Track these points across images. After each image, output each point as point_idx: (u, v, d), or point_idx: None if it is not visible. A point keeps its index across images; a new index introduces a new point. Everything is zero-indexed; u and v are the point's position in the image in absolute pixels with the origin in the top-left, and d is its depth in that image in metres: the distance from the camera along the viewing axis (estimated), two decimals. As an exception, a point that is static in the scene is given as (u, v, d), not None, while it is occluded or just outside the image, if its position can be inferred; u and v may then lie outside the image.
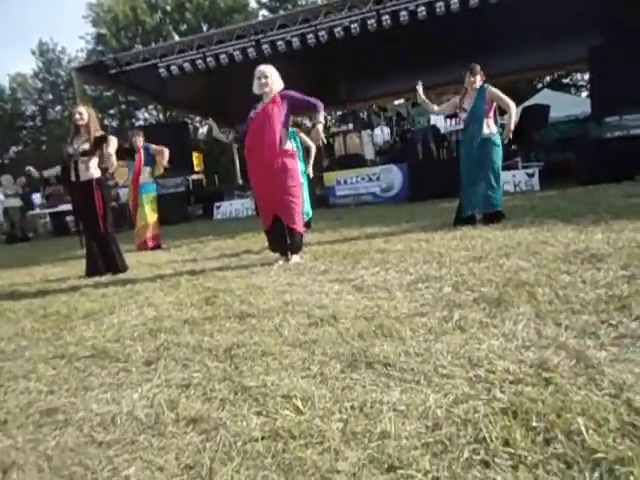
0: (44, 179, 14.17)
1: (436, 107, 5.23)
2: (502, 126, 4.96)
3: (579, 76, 25.73)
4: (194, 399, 1.59)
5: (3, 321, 3.09)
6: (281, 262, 3.92)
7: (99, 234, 4.57)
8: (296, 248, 4.02)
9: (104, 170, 4.63)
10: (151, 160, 6.45)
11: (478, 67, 4.77)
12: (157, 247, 6.51)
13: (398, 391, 1.47)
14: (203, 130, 4.27)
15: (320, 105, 3.82)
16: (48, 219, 13.92)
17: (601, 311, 1.92)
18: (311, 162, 6.34)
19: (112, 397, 1.70)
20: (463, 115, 4.89)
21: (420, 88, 5.03)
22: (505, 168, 9.45)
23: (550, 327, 1.83)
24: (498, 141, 4.81)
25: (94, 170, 4.50)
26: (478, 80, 4.76)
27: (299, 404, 1.45)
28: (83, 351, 2.25)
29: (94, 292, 3.72)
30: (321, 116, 3.84)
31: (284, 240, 3.97)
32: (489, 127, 4.78)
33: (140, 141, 6.41)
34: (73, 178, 4.48)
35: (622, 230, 3.53)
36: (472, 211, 4.90)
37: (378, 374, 1.61)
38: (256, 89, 3.85)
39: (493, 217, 4.80)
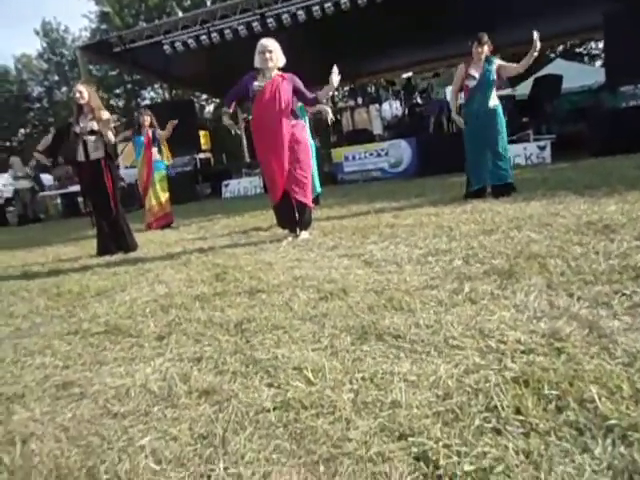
0: (53, 162, 14.24)
1: (456, 87, 5.01)
2: (502, 98, 4.86)
3: (593, 45, 24.99)
4: (206, 372, 1.61)
5: (18, 300, 3.14)
6: (290, 238, 3.91)
7: (109, 214, 4.59)
8: (305, 224, 4.01)
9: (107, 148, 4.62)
10: (157, 142, 6.44)
11: (486, 36, 4.66)
12: (168, 226, 6.54)
13: (409, 362, 1.48)
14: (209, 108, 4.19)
15: (314, 99, 3.98)
16: (59, 200, 14.01)
17: (614, 281, 1.90)
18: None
19: (126, 371, 1.72)
20: (471, 83, 4.77)
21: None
22: (516, 141, 9.33)
23: (562, 298, 1.81)
24: (502, 112, 4.75)
25: (102, 148, 4.50)
26: (486, 50, 4.66)
27: (310, 375, 1.46)
28: (96, 327, 2.28)
29: (105, 271, 3.76)
30: (321, 106, 4.10)
31: (293, 216, 3.96)
32: (494, 98, 4.71)
33: (147, 120, 6.37)
34: (82, 158, 4.48)
35: (636, 201, 3.45)
36: (481, 184, 4.84)
37: (388, 346, 1.61)
38: (258, 63, 3.78)
39: (503, 190, 4.73)
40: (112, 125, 4.47)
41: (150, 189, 6.51)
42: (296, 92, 3.85)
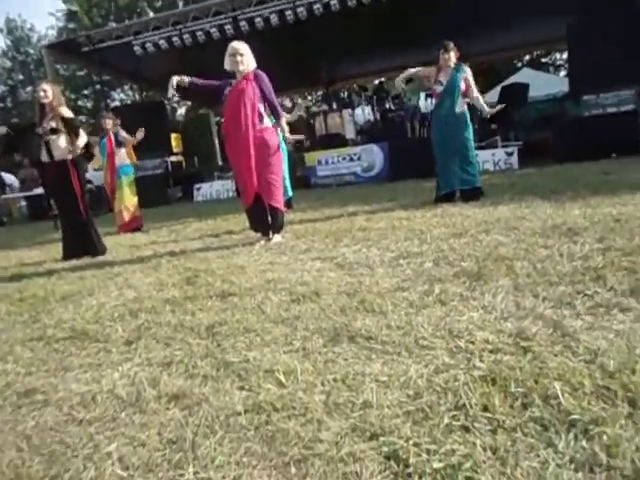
0: (18, 162, 13.78)
1: (412, 70, 5.07)
2: (468, 105, 5.03)
3: (558, 55, 25.86)
4: (176, 376, 1.58)
5: (-22, 305, 3.01)
6: (263, 242, 3.90)
7: (77, 216, 4.46)
8: (278, 227, 4.00)
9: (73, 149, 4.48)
10: (122, 143, 6.31)
11: (452, 44, 4.80)
12: (137, 229, 6.42)
13: (380, 363, 1.49)
14: (171, 90, 4.03)
15: (281, 114, 3.95)
16: (24, 203, 13.56)
17: (577, 282, 1.96)
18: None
19: (92, 377, 1.68)
20: (439, 88, 4.88)
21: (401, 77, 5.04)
22: (485, 147, 9.56)
23: (528, 299, 1.86)
24: (469, 118, 4.88)
25: (66, 148, 4.36)
26: (452, 57, 4.78)
27: (282, 378, 1.46)
28: (61, 333, 2.21)
29: (72, 275, 3.65)
30: (283, 122, 3.98)
31: (265, 219, 3.96)
32: (462, 105, 4.84)
33: (109, 123, 6.23)
34: (46, 158, 4.34)
35: (599, 205, 3.59)
36: (449, 189, 4.94)
37: (360, 347, 1.62)
38: (228, 65, 3.76)
39: (472, 194, 4.84)
40: (75, 124, 4.35)
41: (117, 192, 6.38)
42: (263, 93, 3.80)
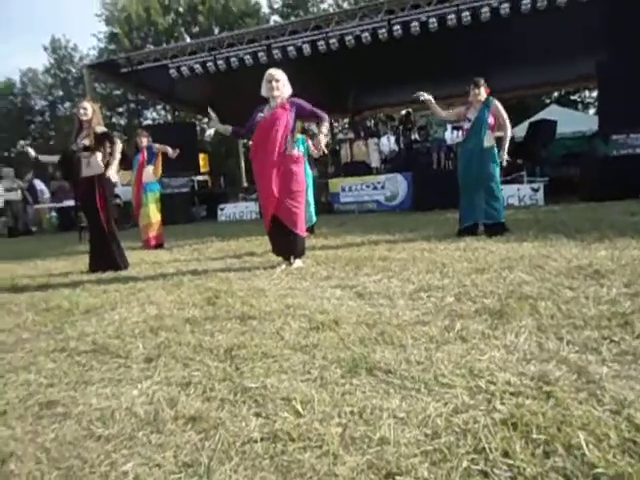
0: (50, 174, 14.25)
1: (444, 113, 5.31)
2: (497, 140, 5.05)
3: (587, 93, 25.79)
4: (194, 398, 1.59)
5: (5, 313, 3.10)
6: (284, 266, 3.92)
7: (99, 231, 4.57)
8: (299, 252, 4.03)
9: (106, 166, 4.62)
10: (154, 159, 6.49)
11: (482, 80, 4.87)
12: (160, 246, 6.53)
13: (398, 398, 1.47)
14: (210, 132, 4.25)
15: (325, 117, 3.96)
16: (54, 213, 13.97)
17: (603, 327, 1.92)
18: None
19: (112, 392, 1.70)
20: (466, 124, 4.94)
21: (429, 97, 5.03)
22: (510, 181, 9.51)
23: (552, 341, 1.83)
24: (496, 153, 4.89)
25: (97, 166, 4.51)
26: (483, 93, 4.84)
27: (298, 407, 1.45)
28: (84, 346, 2.25)
29: (96, 288, 3.73)
30: (325, 128, 4.03)
31: (286, 243, 3.99)
32: (490, 140, 4.84)
33: (144, 141, 6.44)
34: (78, 175, 4.51)
35: (625, 247, 3.52)
36: (472, 222, 4.93)
37: (378, 380, 1.61)
38: (265, 92, 3.87)
39: (496, 229, 4.80)
40: (110, 135, 4.51)
41: (142, 209, 6.53)
42: (302, 114, 3.96)
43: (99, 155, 4.50)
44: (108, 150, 4.49)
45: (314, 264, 3.98)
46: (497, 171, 4.88)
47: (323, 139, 4.12)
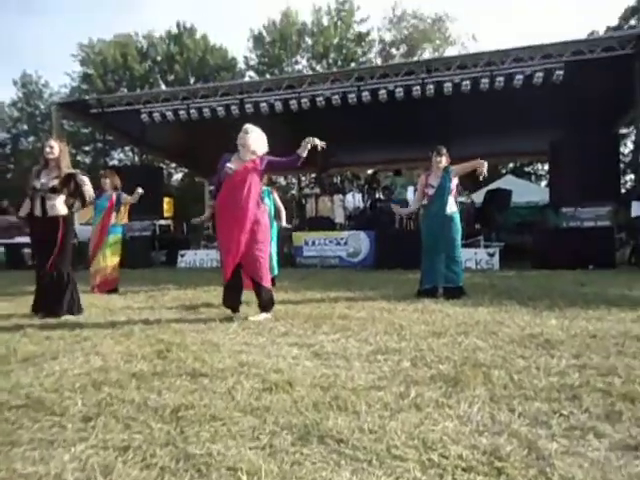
0: (2, 208, 13.68)
1: (414, 206, 5.70)
2: (461, 204, 5.30)
3: (540, 166, 27.58)
4: (131, 465, 1.48)
5: None
6: (237, 318, 3.92)
7: (57, 272, 4.38)
8: (265, 304, 4.00)
9: (70, 207, 4.50)
10: (120, 206, 6.39)
11: (444, 149, 5.15)
12: (114, 291, 6.29)
13: (349, 471, 1.42)
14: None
15: (295, 154, 3.94)
16: (2, 249, 13.29)
17: (553, 400, 1.95)
18: (283, 217, 6.46)
19: (40, 456, 1.56)
20: (430, 190, 5.14)
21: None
22: (468, 245, 9.84)
23: (504, 412, 1.83)
24: (458, 219, 5.07)
25: (61, 207, 4.39)
26: (444, 161, 5.09)
27: (244, 478, 1.37)
28: (16, 400, 2.08)
29: (38, 334, 3.51)
30: (304, 153, 3.91)
31: (238, 296, 4.08)
32: (451, 206, 5.04)
33: (106, 183, 6.34)
34: (38, 213, 4.34)
35: (575, 317, 3.66)
36: (431, 284, 5.03)
37: (330, 450, 1.55)
38: (239, 140, 3.93)
39: (454, 292, 4.91)
40: (79, 177, 4.42)
41: (100, 251, 6.33)
42: (274, 168, 4.06)
43: (63, 196, 4.39)
44: (72, 189, 4.37)
45: (272, 319, 3.91)
46: (459, 236, 5.06)
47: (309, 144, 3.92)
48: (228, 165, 3.89)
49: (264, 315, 3.95)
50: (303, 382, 2.23)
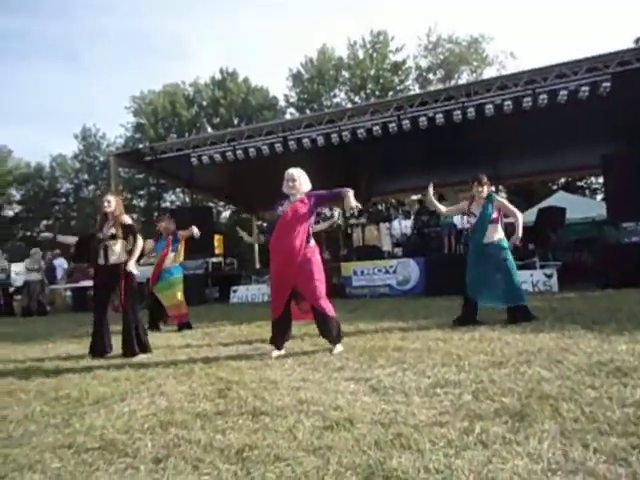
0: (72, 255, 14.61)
1: (444, 209, 5.46)
2: (506, 227, 5.16)
3: (593, 179, 26.44)
4: (203, 507, 1.52)
5: (14, 402, 3.06)
6: (275, 353, 3.99)
7: (126, 316, 4.64)
8: (335, 336, 4.01)
9: (129, 252, 4.76)
10: (178, 245, 6.69)
11: (485, 178, 5.04)
12: (186, 325, 6.60)
13: (417, 513, 1.40)
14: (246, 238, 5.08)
15: (345, 190, 3.99)
16: (69, 293, 14.11)
17: (630, 434, 1.84)
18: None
19: (118, 498, 1.63)
20: (472, 220, 5.08)
21: (431, 189, 5.25)
22: (523, 267, 9.50)
23: (577, 449, 1.75)
24: (506, 244, 4.97)
25: (122, 253, 4.69)
26: (485, 189, 5.01)
27: (313, 521, 1.38)
28: (91, 442, 2.20)
29: (106, 375, 3.69)
30: (351, 198, 3.93)
31: (287, 332, 4.14)
32: (497, 232, 4.95)
33: (162, 226, 6.69)
34: (102, 261, 4.67)
35: (647, 341, 3.44)
36: (482, 301, 4.94)
37: (396, 491, 1.54)
38: (285, 189, 4.15)
39: (520, 313, 4.76)
40: (134, 229, 4.72)
41: (169, 291, 6.62)
42: (322, 202, 4.18)
43: (123, 243, 4.69)
44: (130, 240, 4.67)
45: (327, 354, 3.92)
46: (510, 258, 4.91)
47: (351, 202, 3.94)
48: (280, 208, 4.08)
49: (338, 348, 3.97)
50: (363, 419, 2.22)
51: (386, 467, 1.70)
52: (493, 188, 5.09)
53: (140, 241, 4.74)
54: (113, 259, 4.65)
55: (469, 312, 5.00)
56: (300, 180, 4.11)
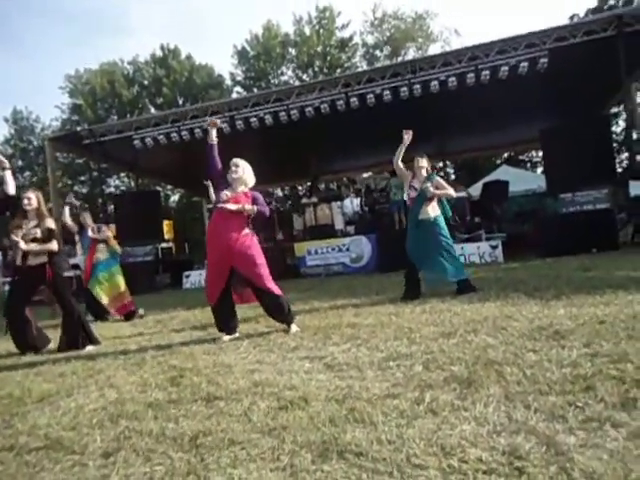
0: (5, 246, 13.76)
1: (401, 164, 5.40)
2: (458, 199, 5.37)
3: (534, 153, 27.60)
4: (155, 498, 1.49)
5: (-52, 406, 2.87)
6: (226, 338, 3.97)
7: (64, 309, 4.43)
8: (286, 314, 4.03)
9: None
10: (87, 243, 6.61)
11: (425, 158, 5.30)
12: (132, 313, 6.44)
13: (371, 484, 1.43)
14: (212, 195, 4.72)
15: (266, 210, 4.16)
16: (7, 287, 13.32)
17: (567, 392, 1.95)
18: None
19: (65, 497, 1.57)
20: (412, 193, 5.22)
21: (407, 138, 5.23)
22: (470, 240, 9.86)
23: (519, 410, 1.84)
24: (441, 221, 5.15)
25: (42, 255, 4.41)
26: (423, 171, 5.22)
27: (268, 502, 1.38)
28: (35, 441, 2.10)
29: (51, 370, 3.53)
30: (251, 208, 4.03)
31: (231, 317, 4.12)
32: (434, 209, 5.14)
33: (87, 217, 6.52)
34: (19, 263, 4.38)
35: (582, 305, 3.66)
36: (426, 270, 5.16)
37: (350, 465, 1.56)
38: (229, 177, 4.11)
39: (463, 286, 4.95)
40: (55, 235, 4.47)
41: (112, 281, 6.43)
42: (257, 209, 4.12)
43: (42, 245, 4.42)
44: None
45: (282, 334, 3.92)
46: (446, 234, 5.11)
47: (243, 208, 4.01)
48: (225, 192, 3.99)
49: (293, 328, 3.99)
50: (318, 397, 2.23)
51: (340, 442, 1.72)
52: (439, 165, 5.21)
53: (55, 245, 4.45)
54: (34, 261, 4.38)
55: (412, 287, 5.15)
56: (244, 170, 4.11)
